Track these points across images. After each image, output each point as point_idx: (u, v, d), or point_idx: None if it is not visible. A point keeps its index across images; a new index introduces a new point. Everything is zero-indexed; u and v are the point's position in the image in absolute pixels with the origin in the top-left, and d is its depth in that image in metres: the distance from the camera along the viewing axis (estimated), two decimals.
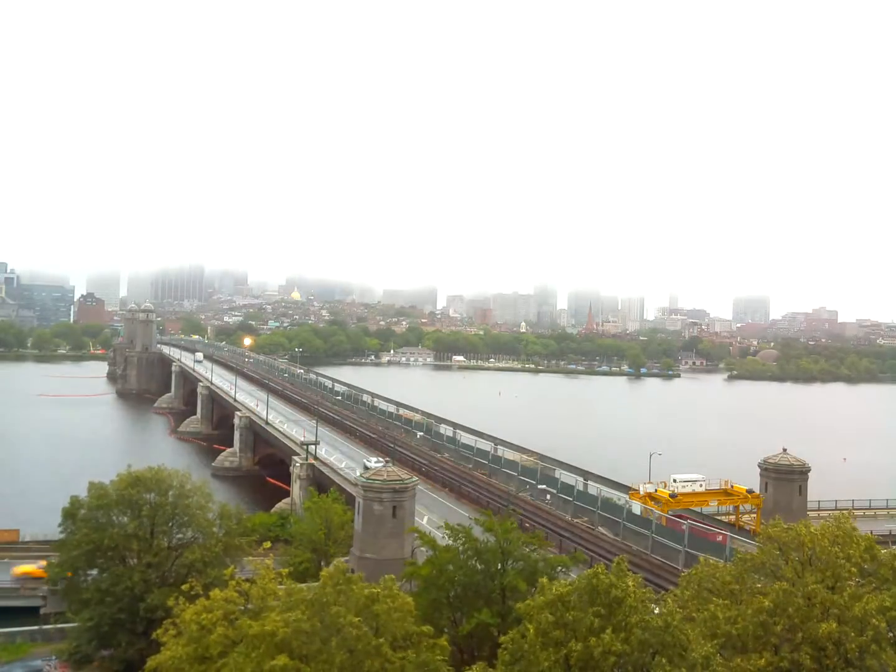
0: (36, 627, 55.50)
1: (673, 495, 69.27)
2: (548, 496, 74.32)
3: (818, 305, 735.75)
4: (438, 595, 40.40)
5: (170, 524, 50.36)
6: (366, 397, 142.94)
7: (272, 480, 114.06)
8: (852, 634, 28.96)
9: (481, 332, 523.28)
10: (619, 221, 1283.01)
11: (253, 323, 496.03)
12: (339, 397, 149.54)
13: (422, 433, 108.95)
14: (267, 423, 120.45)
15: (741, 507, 72.77)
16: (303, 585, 34.69)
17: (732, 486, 73.37)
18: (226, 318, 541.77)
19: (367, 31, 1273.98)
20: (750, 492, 71.56)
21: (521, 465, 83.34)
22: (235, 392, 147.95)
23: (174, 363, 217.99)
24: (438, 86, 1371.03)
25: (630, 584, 28.24)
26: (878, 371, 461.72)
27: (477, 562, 41.21)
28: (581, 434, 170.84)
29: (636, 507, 65.81)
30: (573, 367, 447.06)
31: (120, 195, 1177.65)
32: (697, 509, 72.05)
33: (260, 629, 28.35)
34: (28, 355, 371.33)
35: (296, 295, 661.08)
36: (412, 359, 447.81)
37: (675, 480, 71.81)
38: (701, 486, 71.98)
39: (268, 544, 49.20)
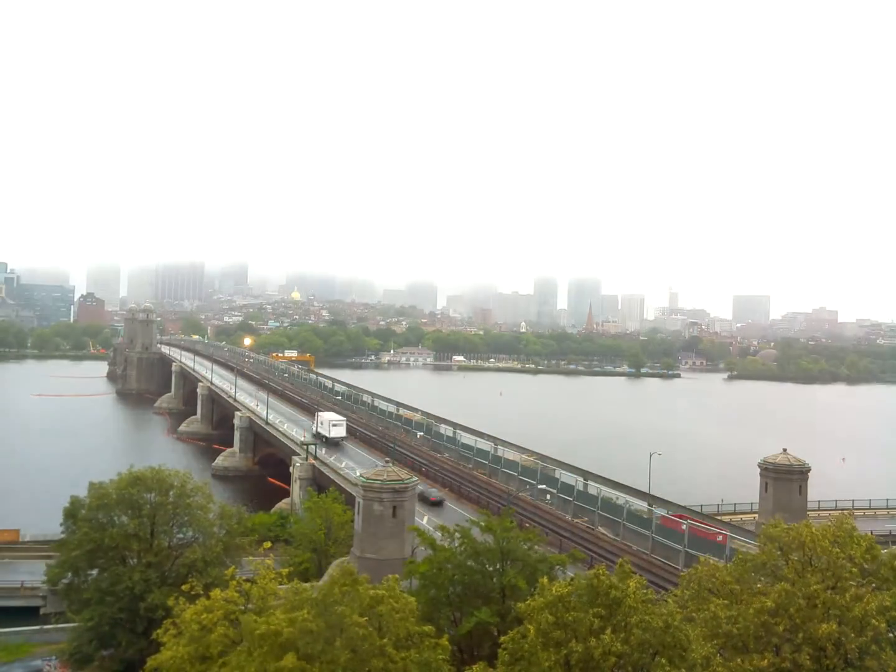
0: (36, 627, 55.41)
1: None
2: (548, 496, 74.21)
3: (818, 305, 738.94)
4: (437, 594, 40.34)
5: (170, 524, 50.39)
6: (366, 397, 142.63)
7: (272, 480, 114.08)
8: (852, 635, 28.95)
9: (481, 332, 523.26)
10: (619, 221, 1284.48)
11: (253, 323, 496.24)
12: (339, 397, 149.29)
13: (422, 433, 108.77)
14: (267, 423, 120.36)
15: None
16: (307, 585, 34.67)
17: None
18: (226, 318, 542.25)
19: (369, 30, 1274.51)
20: None
21: (521, 465, 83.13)
22: (235, 392, 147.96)
23: (174, 363, 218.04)
24: (437, 84, 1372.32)
25: (632, 585, 28.21)
26: (878, 371, 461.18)
27: (475, 562, 41.16)
28: (580, 434, 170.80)
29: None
30: (573, 367, 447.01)
31: (120, 194, 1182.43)
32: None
33: (266, 628, 28.32)
34: (28, 355, 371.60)
35: (296, 295, 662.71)
36: (412, 359, 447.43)
37: None
38: None
39: (268, 544, 49.13)
